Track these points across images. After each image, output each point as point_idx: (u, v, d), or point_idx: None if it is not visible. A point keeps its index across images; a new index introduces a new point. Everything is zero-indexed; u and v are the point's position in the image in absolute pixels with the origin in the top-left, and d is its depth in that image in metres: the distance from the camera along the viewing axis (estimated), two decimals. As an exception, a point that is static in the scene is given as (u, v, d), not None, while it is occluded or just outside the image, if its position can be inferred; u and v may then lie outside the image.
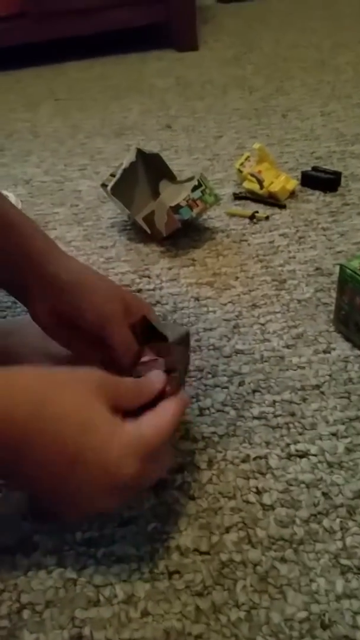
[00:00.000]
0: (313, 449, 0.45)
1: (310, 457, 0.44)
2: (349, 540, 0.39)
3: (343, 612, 0.35)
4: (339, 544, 0.39)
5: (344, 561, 0.38)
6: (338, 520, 0.40)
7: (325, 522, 0.40)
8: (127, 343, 0.44)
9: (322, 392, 0.50)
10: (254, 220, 0.75)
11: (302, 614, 0.36)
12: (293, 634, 0.35)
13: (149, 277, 0.68)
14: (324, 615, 0.35)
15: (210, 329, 0.59)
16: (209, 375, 0.54)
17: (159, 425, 0.36)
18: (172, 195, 0.70)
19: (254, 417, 0.49)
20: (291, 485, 0.43)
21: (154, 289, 0.66)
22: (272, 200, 0.78)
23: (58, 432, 0.33)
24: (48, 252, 0.47)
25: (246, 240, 0.72)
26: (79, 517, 0.41)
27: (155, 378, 0.39)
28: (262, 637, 0.35)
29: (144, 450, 0.34)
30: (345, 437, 0.46)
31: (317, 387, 0.51)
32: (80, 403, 0.34)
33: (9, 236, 0.46)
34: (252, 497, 0.42)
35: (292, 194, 0.79)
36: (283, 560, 0.38)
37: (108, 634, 0.36)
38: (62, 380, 0.36)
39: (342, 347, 0.55)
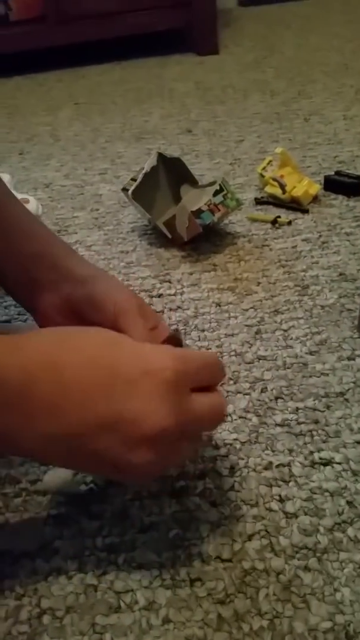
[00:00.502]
0: (337, 457, 0.45)
1: (335, 465, 0.44)
2: (374, 551, 0.38)
3: (368, 624, 0.35)
4: (364, 554, 0.38)
5: (369, 572, 0.37)
6: (363, 530, 0.40)
7: (350, 531, 0.40)
8: (143, 336, 0.42)
9: (346, 400, 0.50)
10: (276, 225, 0.76)
11: (326, 624, 0.35)
12: (317, 645, 0.35)
13: (169, 282, 0.68)
14: (348, 625, 0.35)
15: (232, 335, 0.60)
16: (231, 382, 0.54)
17: (212, 403, 0.35)
18: (194, 199, 0.71)
19: (277, 424, 0.49)
20: (315, 493, 0.42)
21: (174, 294, 0.66)
22: (295, 205, 0.78)
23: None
24: (65, 251, 0.47)
25: (268, 246, 0.72)
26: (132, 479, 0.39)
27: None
28: (285, 647, 0.35)
29: (183, 409, 0.33)
30: (371, 445, 0.45)
31: (341, 394, 0.50)
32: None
33: (23, 237, 0.47)
34: (274, 505, 0.42)
35: (315, 199, 0.79)
36: (307, 569, 0.38)
37: (129, 640, 0.36)
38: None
39: (366, 354, 0.54)
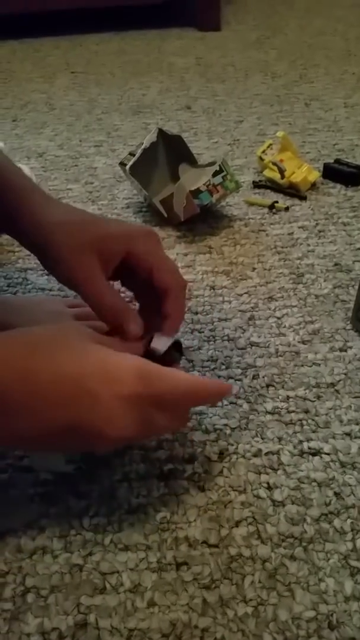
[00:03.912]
0: (326, 448, 0.45)
1: (323, 455, 0.44)
2: (359, 542, 0.38)
3: (351, 614, 0.35)
4: (349, 545, 0.38)
5: (353, 562, 0.38)
6: (349, 521, 0.40)
7: (336, 522, 0.40)
8: (175, 323, 0.43)
9: (337, 391, 0.50)
10: (274, 210, 0.74)
11: (310, 614, 0.36)
12: (300, 632, 0.35)
13: (163, 261, 0.67)
14: (331, 615, 0.35)
15: (225, 320, 0.59)
16: (223, 367, 0.53)
17: (169, 427, 0.37)
18: (192, 179, 0.69)
19: (267, 412, 0.48)
20: (303, 482, 0.42)
21: (168, 275, 0.65)
22: (293, 191, 0.77)
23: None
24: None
25: (265, 231, 0.71)
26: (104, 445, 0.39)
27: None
28: (268, 634, 0.35)
29: (145, 423, 0.35)
30: (359, 437, 0.45)
31: (332, 385, 0.50)
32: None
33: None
34: (262, 493, 0.42)
35: (313, 186, 0.78)
36: (292, 558, 0.38)
37: (114, 622, 0.36)
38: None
39: (359, 346, 0.54)
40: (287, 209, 0.74)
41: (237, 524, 0.40)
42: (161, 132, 0.72)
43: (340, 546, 0.39)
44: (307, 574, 0.37)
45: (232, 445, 0.46)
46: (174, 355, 0.45)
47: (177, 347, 0.45)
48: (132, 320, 0.42)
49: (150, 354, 0.42)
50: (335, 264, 0.65)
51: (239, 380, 0.52)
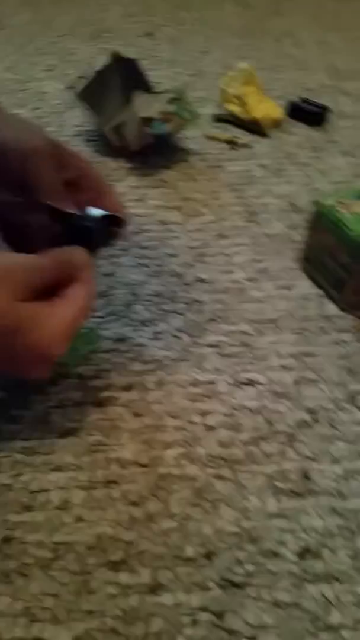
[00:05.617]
0: (261, 379, 0.48)
1: (258, 385, 0.48)
2: (285, 465, 0.42)
3: (271, 530, 0.39)
4: (275, 467, 0.42)
5: (277, 483, 0.41)
6: (277, 445, 0.43)
7: (264, 446, 0.43)
8: (52, 187, 0.41)
9: (278, 327, 0.53)
10: (233, 146, 0.76)
11: (232, 528, 0.39)
12: (221, 545, 0.39)
13: (113, 194, 0.68)
14: (253, 530, 0.39)
15: (174, 255, 0.61)
16: (167, 301, 0.56)
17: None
18: (145, 106, 0.69)
19: (208, 345, 0.51)
20: (236, 409, 0.46)
21: (117, 208, 0.66)
22: (254, 127, 0.78)
23: None
24: None
25: (222, 167, 0.73)
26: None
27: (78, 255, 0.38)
28: (191, 546, 0.38)
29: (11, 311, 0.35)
30: (294, 370, 0.49)
31: (274, 321, 0.53)
32: None
33: None
34: (196, 418, 0.45)
35: (276, 124, 0.80)
36: (220, 477, 0.42)
37: (40, 537, 0.39)
38: None
39: (304, 285, 0.57)
40: (247, 145, 0.76)
41: (169, 446, 0.43)
42: (115, 55, 0.72)
43: (266, 468, 0.42)
44: (232, 493, 0.41)
45: (170, 375, 0.49)
46: (104, 231, 0.43)
47: (114, 223, 0.44)
48: None
49: (70, 227, 0.41)
50: (290, 204, 0.68)
51: (182, 314, 0.54)
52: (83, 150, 0.74)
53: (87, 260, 0.39)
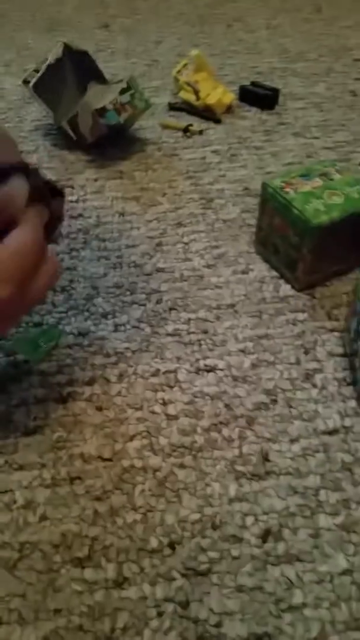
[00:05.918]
0: (220, 364, 0.45)
1: (217, 371, 0.45)
2: (245, 448, 0.40)
3: (233, 514, 0.37)
4: (236, 452, 0.40)
5: (239, 467, 0.39)
6: (237, 429, 0.41)
7: (225, 431, 0.41)
8: None
9: (236, 311, 0.50)
10: (188, 133, 0.72)
11: (195, 516, 0.37)
12: (185, 534, 0.36)
13: (72, 187, 0.64)
14: (215, 517, 0.37)
15: (133, 246, 0.57)
16: (127, 292, 0.52)
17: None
18: (98, 97, 0.65)
19: (168, 334, 0.48)
20: (196, 397, 0.43)
21: (77, 201, 0.62)
22: (208, 114, 0.74)
23: None
24: None
25: (177, 155, 0.69)
26: None
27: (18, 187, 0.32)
28: (155, 537, 0.36)
29: None
30: (252, 353, 0.46)
31: (232, 306, 0.51)
32: None
33: None
34: (158, 408, 0.42)
35: (229, 109, 0.76)
36: (182, 466, 0.39)
37: (5, 538, 0.36)
38: None
39: (259, 268, 0.54)
40: (201, 132, 0.72)
41: (131, 438, 0.41)
42: (67, 47, 0.67)
43: (227, 453, 0.40)
44: (194, 480, 0.39)
45: (132, 366, 0.46)
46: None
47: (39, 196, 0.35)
48: None
49: None
50: (245, 189, 0.64)
51: (143, 305, 0.51)
52: (41, 144, 0.70)
53: (25, 193, 0.32)
